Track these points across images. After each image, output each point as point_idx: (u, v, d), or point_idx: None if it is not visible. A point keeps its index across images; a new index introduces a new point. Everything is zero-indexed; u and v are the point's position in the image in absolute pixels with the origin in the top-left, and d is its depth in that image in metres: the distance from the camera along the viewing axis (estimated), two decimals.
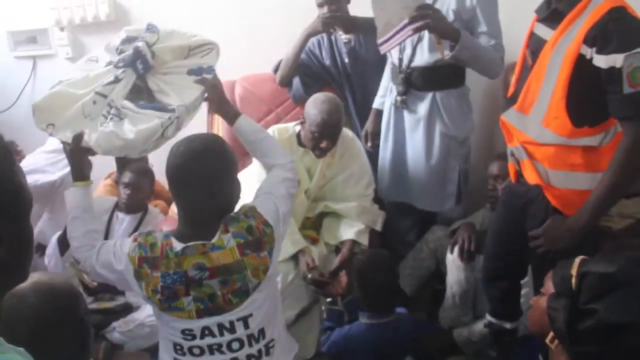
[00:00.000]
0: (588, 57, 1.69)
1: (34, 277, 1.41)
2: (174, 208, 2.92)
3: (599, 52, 1.66)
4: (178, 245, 1.66)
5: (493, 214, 2.39)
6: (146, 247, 1.68)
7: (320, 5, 2.86)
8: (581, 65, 1.70)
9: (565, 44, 1.73)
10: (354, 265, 2.19)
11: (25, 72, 3.64)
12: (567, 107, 1.75)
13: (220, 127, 3.24)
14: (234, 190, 1.76)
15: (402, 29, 2.30)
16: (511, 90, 2.00)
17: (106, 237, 2.89)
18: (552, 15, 1.80)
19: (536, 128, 1.84)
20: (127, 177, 2.85)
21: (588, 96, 1.74)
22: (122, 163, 3.26)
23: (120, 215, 2.91)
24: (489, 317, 2.31)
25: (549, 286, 1.46)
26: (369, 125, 2.89)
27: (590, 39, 1.67)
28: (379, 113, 2.85)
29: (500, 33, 2.45)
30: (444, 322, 2.66)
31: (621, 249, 2.28)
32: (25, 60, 3.63)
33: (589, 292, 1.31)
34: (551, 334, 1.36)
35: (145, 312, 2.83)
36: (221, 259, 1.63)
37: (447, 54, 2.32)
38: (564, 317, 1.31)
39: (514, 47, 2.22)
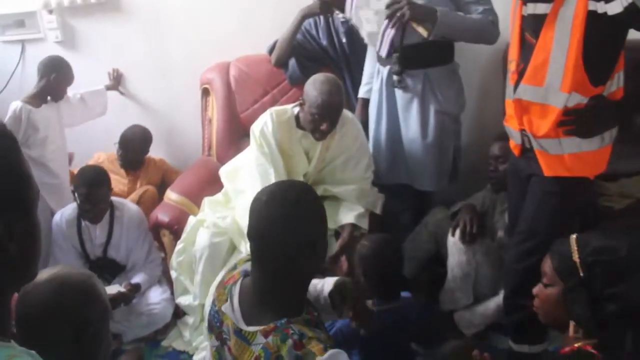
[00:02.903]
0: (600, 11, 1.72)
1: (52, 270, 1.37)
2: (169, 194, 2.87)
3: (608, 1, 1.69)
4: (236, 293, 1.42)
5: (508, 197, 2.38)
6: (231, 267, 1.55)
7: None
8: (594, 21, 1.73)
9: (570, 8, 1.76)
10: (356, 251, 2.15)
11: (13, 57, 3.57)
12: (585, 66, 1.79)
13: (214, 110, 3.19)
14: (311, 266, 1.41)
15: (385, 30, 2.42)
16: (513, 76, 2.00)
17: (82, 248, 2.86)
18: None
19: (557, 96, 1.85)
20: (82, 190, 2.74)
21: (604, 51, 1.78)
22: (125, 146, 3.25)
23: (88, 223, 2.85)
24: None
25: (551, 275, 1.43)
26: (357, 115, 2.83)
27: None
28: (366, 102, 2.84)
29: None
30: (445, 305, 2.64)
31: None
32: (14, 45, 3.57)
33: (603, 279, 1.29)
34: (572, 324, 1.33)
35: (146, 301, 2.81)
36: (237, 351, 1.36)
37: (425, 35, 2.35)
38: (586, 308, 1.28)
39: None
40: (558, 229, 1.95)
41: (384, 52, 2.50)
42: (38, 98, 3.13)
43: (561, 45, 1.80)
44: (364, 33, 2.59)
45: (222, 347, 1.43)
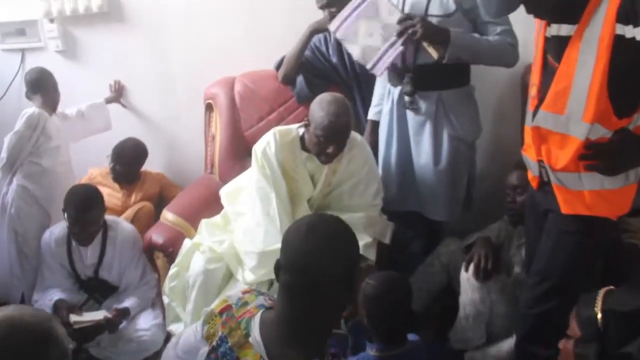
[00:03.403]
0: (628, 35, 1.58)
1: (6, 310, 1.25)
2: (165, 214, 2.72)
3: (637, 25, 1.56)
4: (256, 327, 1.32)
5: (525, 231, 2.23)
6: (240, 298, 1.42)
7: (321, 8, 2.71)
8: (621, 46, 1.60)
9: (595, 30, 1.63)
10: (360, 289, 1.98)
11: (13, 66, 3.50)
12: (610, 95, 1.65)
13: (218, 127, 3.05)
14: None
15: (391, 46, 2.33)
16: (533, 102, 1.86)
17: (72, 268, 2.73)
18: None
19: (579, 126, 1.71)
20: (71, 212, 2.60)
21: (631, 80, 1.64)
22: (117, 159, 3.12)
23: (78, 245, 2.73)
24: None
25: (574, 327, 1.29)
26: (366, 138, 2.69)
27: (623, 16, 1.58)
28: (376, 125, 2.70)
29: (507, 18, 2.30)
30: (455, 344, 2.46)
31: None
32: (14, 53, 3.50)
33: (618, 335, 1.13)
34: None
35: (135, 327, 2.66)
36: None
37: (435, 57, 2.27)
38: None
39: (531, 48, 2.07)
40: (576, 272, 1.84)
41: (378, 71, 2.40)
42: (49, 107, 3.05)
43: (585, 70, 1.67)
44: (356, 48, 2.41)
45: None
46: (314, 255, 1.26)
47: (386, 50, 2.34)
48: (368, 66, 2.40)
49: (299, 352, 1.26)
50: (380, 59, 2.36)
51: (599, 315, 1.20)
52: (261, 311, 1.35)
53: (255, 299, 1.42)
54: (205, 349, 1.37)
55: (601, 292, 1.25)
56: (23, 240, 3.03)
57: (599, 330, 1.18)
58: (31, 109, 2.99)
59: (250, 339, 1.30)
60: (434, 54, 2.26)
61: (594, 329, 1.19)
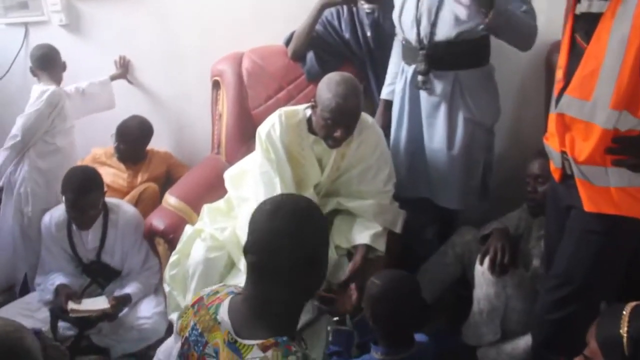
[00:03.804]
0: None
1: None
2: (167, 198, 2.61)
3: None
4: (224, 309, 1.31)
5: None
6: (212, 289, 1.40)
7: None
8: None
9: (630, 6, 1.51)
10: (365, 289, 1.85)
11: (17, 40, 3.40)
12: None
13: (225, 105, 2.92)
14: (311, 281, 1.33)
15: None
16: (559, 86, 1.71)
17: (74, 252, 2.66)
18: None
19: (604, 114, 1.57)
20: (68, 196, 2.51)
21: None
22: (122, 137, 3.03)
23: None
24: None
25: (593, 346, 1.15)
26: (378, 118, 2.56)
27: None
28: (389, 105, 2.56)
29: None
30: (468, 339, 2.35)
31: None
32: (17, 27, 3.40)
33: None
34: None
35: (136, 314, 2.59)
36: None
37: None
38: None
39: (557, 25, 1.92)
40: (599, 276, 1.70)
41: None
42: (56, 84, 2.97)
43: (616, 51, 1.53)
44: None
45: None
46: (277, 235, 1.25)
47: None
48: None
49: (266, 331, 1.24)
50: None
51: (625, 337, 1.04)
52: (230, 296, 1.34)
53: (225, 289, 1.41)
54: (179, 344, 1.37)
55: (628, 308, 1.10)
56: (28, 222, 2.98)
57: (624, 355, 1.03)
58: (49, 86, 2.92)
59: (219, 320, 1.29)
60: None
61: (618, 352, 1.04)
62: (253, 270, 1.29)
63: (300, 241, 1.25)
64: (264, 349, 1.20)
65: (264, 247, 1.26)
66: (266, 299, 1.27)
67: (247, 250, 1.29)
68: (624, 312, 1.10)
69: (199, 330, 1.31)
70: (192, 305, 1.37)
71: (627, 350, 1.04)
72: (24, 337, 1.21)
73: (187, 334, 1.33)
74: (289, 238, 1.24)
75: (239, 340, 1.24)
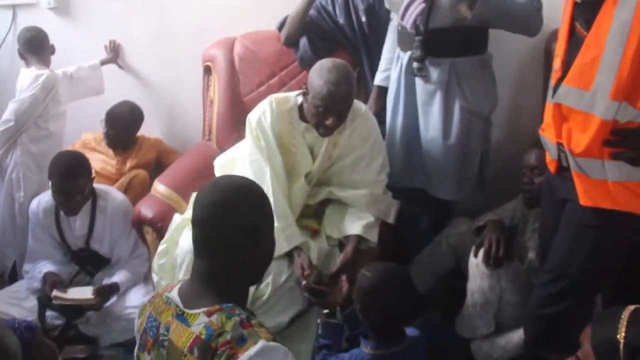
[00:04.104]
0: None
1: None
2: (156, 186, 2.56)
3: None
4: (175, 291, 1.34)
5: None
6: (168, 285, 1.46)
7: None
8: None
9: None
10: (357, 282, 1.80)
11: (4, 23, 3.31)
12: None
13: (216, 91, 2.86)
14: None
15: None
16: (556, 75, 1.67)
17: (62, 239, 2.62)
18: None
19: (603, 104, 1.52)
20: (55, 181, 2.46)
21: None
22: (112, 123, 2.99)
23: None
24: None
25: (587, 349, 1.10)
26: (371, 105, 2.51)
27: None
28: (383, 91, 2.51)
29: None
30: (462, 331, 2.31)
31: None
32: (4, 10, 3.31)
33: None
34: None
35: (124, 304, 2.55)
36: (175, 336, 1.27)
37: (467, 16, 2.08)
38: None
39: (556, 12, 1.88)
40: (594, 272, 1.67)
41: (409, 23, 2.19)
42: (45, 67, 2.92)
43: (617, 40, 1.49)
44: None
45: (159, 351, 1.31)
46: (216, 207, 1.29)
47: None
48: (399, 19, 2.25)
49: (211, 300, 1.27)
50: (407, 8, 2.18)
51: (622, 342, 1.00)
52: (180, 283, 1.39)
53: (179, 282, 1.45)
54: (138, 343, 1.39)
55: (627, 312, 1.05)
56: (20, 207, 2.94)
57: None
58: (42, 70, 2.88)
59: (169, 300, 1.33)
60: (466, 13, 2.06)
61: (612, 358, 1.00)
62: (197, 244, 1.33)
63: (237, 212, 1.29)
64: (209, 314, 1.24)
65: (204, 220, 1.30)
66: (211, 272, 1.30)
67: (192, 225, 1.34)
68: (622, 316, 1.05)
69: (154, 316, 1.34)
70: (149, 300, 1.41)
71: (623, 357, 0.99)
72: (5, 335, 1.19)
73: (144, 325, 1.36)
74: (226, 209, 1.28)
75: (187, 310, 1.27)
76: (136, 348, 1.39)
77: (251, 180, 1.41)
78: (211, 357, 1.19)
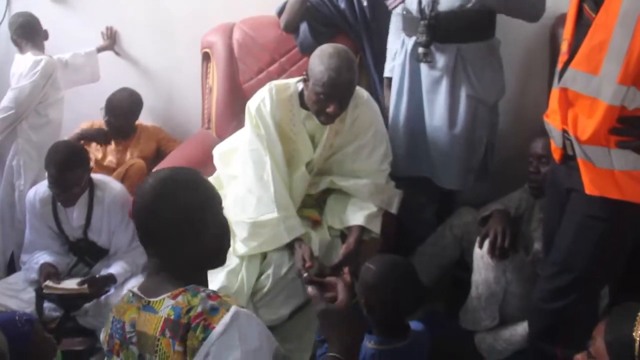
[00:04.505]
0: None
1: None
2: None
3: None
4: (136, 289, 1.34)
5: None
6: None
7: None
8: None
9: None
10: (361, 276, 1.76)
11: None
12: None
13: (215, 78, 2.82)
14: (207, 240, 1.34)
15: None
16: (563, 59, 1.61)
17: (60, 229, 2.58)
18: None
19: (610, 89, 1.48)
20: (51, 171, 2.41)
21: None
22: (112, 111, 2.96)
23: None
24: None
25: (600, 346, 1.08)
26: (385, 97, 2.46)
27: None
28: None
29: None
30: (465, 324, 2.28)
31: None
32: None
33: None
34: None
35: (121, 294, 2.50)
36: (145, 325, 1.26)
37: None
38: None
39: None
40: (600, 265, 1.62)
41: (413, 6, 2.16)
42: (40, 53, 2.88)
43: (627, 22, 1.44)
44: None
45: (128, 349, 1.31)
46: (152, 197, 1.29)
47: None
48: None
49: (173, 285, 1.28)
50: None
51: (638, 340, 0.96)
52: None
53: None
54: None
55: None
56: (20, 195, 2.91)
57: (634, 359, 0.95)
58: (40, 56, 2.84)
59: (131, 297, 1.33)
60: None
61: (626, 355, 0.97)
62: (140, 240, 1.35)
63: (171, 202, 1.28)
64: (174, 297, 1.25)
65: (143, 210, 1.31)
66: (163, 265, 1.31)
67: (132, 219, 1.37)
68: (638, 314, 1.02)
69: (117, 319, 1.33)
70: (111, 310, 1.40)
71: (638, 355, 0.96)
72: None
73: (109, 332, 1.34)
74: (160, 199, 1.29)
75: (151, 299, 1.27)
76: (105, 358, 1.36)
77: (189, 170, 1.40)
78: (185, 333, 1.19)
